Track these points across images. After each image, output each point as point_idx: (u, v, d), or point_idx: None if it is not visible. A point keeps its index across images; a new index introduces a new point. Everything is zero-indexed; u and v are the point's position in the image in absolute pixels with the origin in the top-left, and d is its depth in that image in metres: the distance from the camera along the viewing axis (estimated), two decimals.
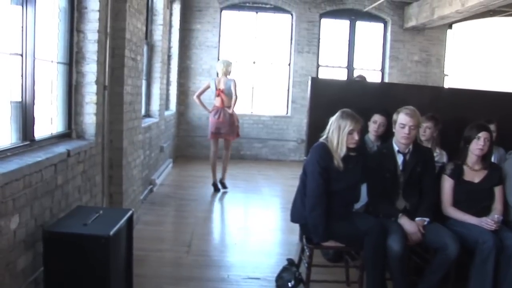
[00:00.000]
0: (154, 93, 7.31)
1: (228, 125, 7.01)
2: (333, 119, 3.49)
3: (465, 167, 3.74)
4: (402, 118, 3.58)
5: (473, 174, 3.73)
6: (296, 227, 4.07)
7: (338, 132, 3.41)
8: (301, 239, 3.83)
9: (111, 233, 2.90)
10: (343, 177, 3.43)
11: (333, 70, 10.77)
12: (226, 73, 7.04)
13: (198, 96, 7.28)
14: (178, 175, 8.31)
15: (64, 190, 3.37)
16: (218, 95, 7.01)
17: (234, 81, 7.00)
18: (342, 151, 3.42)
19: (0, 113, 2.97)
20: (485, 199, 3.70)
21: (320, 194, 3.39)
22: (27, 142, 3.16)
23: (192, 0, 10.08)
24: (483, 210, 3.65)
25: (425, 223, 3.52)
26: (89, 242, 2.86)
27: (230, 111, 6.98)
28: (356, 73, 9.14)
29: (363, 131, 3.76)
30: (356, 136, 3.42)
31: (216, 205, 6.70)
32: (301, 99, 10.13)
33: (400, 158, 3.68)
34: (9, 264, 2.61)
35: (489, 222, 3.47)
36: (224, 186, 7.25)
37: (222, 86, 6.98)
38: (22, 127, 3.13)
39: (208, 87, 7.21)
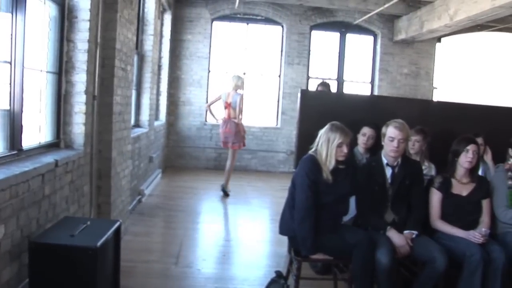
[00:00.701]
0: (144, 103, 7.30)
1: (234, 135, 7.60)
2: (322, 132, 3.50)
3: (453, 180, 3.77)
4: (391, 132, 3.60)
5: (461, 187, 3.76)
6: (285, 239, 4.06)
7: (327, 145, 3.42)
8: (289, 251, 3.82)
9: (98, 244, 2.88)
10: (332, 189, 3.43)
11: None
12: (235, 87, 7.58)
13: (209, 106, 8.07)
14: (167, 185, 8.27)
15: (52, 201, 3.34)
16: (226, 108, 7.64)
17: (241, 96, 7.58)
18: (331, 163, 3.42)
19: None
20: (473, 212, 3.73)
21: (308, 207, 3.39)
22: (15, 152, 3.14)
23: (183, 10, 10.11)
24: (471, 223, 3.68)
25: (414, 236, 3.54)
26: (76, 253, 2.84)
27: (236, 121, 7.52)
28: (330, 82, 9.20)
29: (352, 143, 3.78)
30: (345, 149, 3.42)
31: (205, 217, 6.66)
32: (291, 111, 10.17)
33: (389, 171, 3.69)
34: None
35: (476, 235, 3.49)
36: (226, 194, 7.69)
37: (229, 100, 7.58)
38: (9, 136, 3.11)
39: (219, 98, 7.83)
